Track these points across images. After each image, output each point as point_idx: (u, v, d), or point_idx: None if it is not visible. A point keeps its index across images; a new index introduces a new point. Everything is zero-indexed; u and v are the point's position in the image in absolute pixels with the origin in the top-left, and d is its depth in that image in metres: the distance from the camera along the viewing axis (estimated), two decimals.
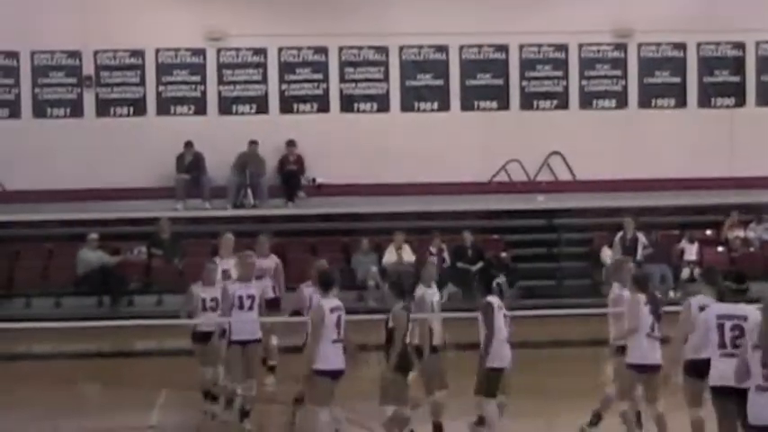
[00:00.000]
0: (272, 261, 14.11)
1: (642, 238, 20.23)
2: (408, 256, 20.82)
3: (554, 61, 23.24)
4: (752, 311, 8.78)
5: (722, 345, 8.85)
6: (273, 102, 22.79)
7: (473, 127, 22.76)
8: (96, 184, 21.72)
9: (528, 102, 23.22)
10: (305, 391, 10.70)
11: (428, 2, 22.76)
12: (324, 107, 22.84)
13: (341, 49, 22.83)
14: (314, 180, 22.43)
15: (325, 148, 22.28)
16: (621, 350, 10.62)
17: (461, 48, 23.05)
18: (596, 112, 23.28)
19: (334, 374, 10.14)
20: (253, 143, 22.04)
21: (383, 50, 22.93)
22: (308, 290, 11.60)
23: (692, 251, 21.06)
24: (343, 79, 22.87)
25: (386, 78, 22.94)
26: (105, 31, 22.17)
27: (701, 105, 23.47)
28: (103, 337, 17.80)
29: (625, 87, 23.37)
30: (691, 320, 9.84)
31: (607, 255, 20.58)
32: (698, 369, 9.73)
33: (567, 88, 23.28)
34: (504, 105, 23.17)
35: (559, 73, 23.26)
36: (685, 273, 20.29)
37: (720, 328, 8.86)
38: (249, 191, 22.09)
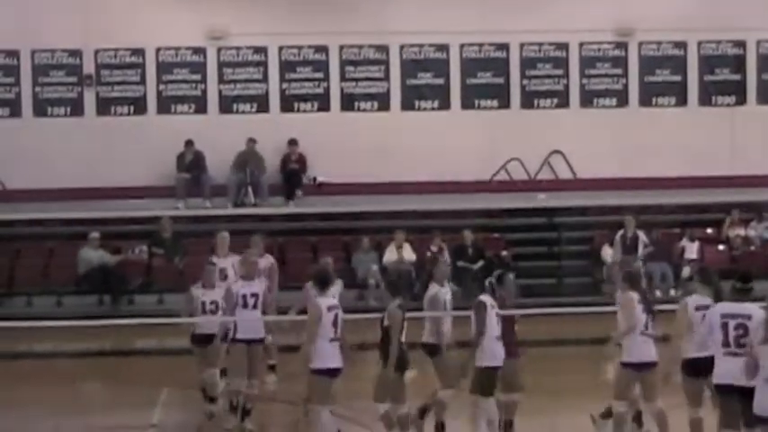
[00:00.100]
0: (266, 261, 13.99)
1: (643, 236, 20.22)
2: (409, 254, 20.84)
3: (555, 60, 23.24)
4: (756, 310, 8.82)
5: (726, 343, 8.89)
6: (274, 100, 22.79)
7: (474, 126, 22.77)
8: (97, 182, 21.72)
9: (529, 100, 23.22)
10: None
11: (429, 0, 22.74)
12: (324, 106, 22.84)
13: (341, 47, 22.83)
14: (314, 179, 22.44)
15: (326, 147, 22.28)
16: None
17: (462, 46, 23.05)
18: (597, 111, 23.28)
19: (333, 373, 10.14)
20: (251, 141, 22.05)
21: (384, 49, 22.93)
22: (313, 290, 11.53)
23: (692, 250, 21.05)
24: (343, 78, 22.87)
25: (386, 77, 22.95)
26: (106, 30, 22.17)
27: (702, 104, 23.47)
28: (104, 336, 17.81)
29: (626, 86, 23.37)
30: (687, 320, 9.88)
31: (608, 253, 20.59)
32: (696, 368, 9.76)
33: (567, 87, 23.28)
34: (505, 104, 23.17)
35: (560, 71, 23.26)
36: (686, 271, 20.21)
37: (724, 326, 8.89)
38: (250, 189, 22.09)
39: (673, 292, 19.52)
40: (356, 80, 22.90)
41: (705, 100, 23.49)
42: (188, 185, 22.04)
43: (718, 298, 9.76)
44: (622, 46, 23.33)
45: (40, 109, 22.42)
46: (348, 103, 22.90)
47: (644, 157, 22.63)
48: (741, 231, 21.86)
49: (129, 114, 22.53)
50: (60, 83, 22.43)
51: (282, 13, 22.42)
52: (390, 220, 21.61)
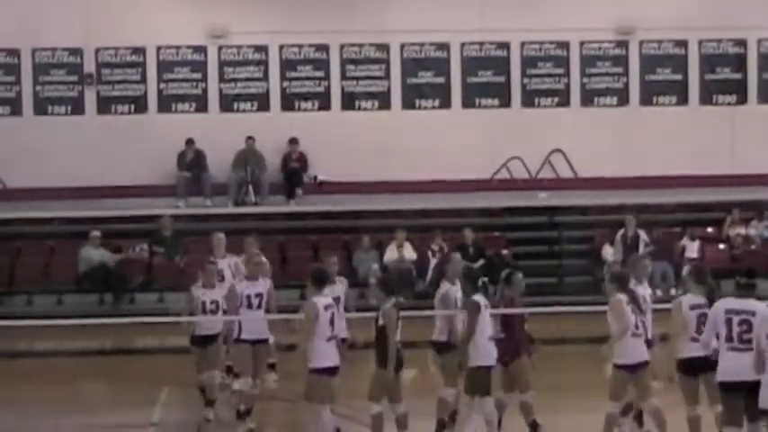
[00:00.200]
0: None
1: (643, 235, 20.22)
2: (409, 253, 20.85)
3: (555, 59, 23.24)
4: (760, 306, 8.88)
5: (729, 339, 8.95)
6: (275, 99, 22.79)
7: (474, 124, 22.76)
8: (97, 181, 21.72)
9: (529, 99, 23.22)
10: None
11: None
12: (325, 105, 22.84)
13: (342, 46, 22.82)
14: (315, 177, 22.43)
15: (327, 146, 22.28)
16: None
17: (463, 45, 23.05)
18: (598, 110, 23.28)
19: (331, 371, 10.15)
20: (250, 139, 22.06)
21: (384, 48, 22.93)
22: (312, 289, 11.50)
23: (693, 249, 21.05)
24: (344, 77, 22.87)
25: (387, 76, 22.94)
26: (106, 29, 22.17)
27: (703, 103, 23.46)
28: (105, 335, 17.82)
29: (626, 85, 23.36)
30: (681, 319, 9.92)
31: (608, 252, 20.59)
32: (692, 367, 9.79)
33: (568, 86, 23.27)
34: (506, 103, 23.17)
35: (561, 70, 23.25)
36: (686, 270, 20.23)
37: (728, 322, 8.94)
38: (250, 188, 22.09)
39: (673, 292, 19.49)
40: (357, 79, 22.90)
41: (706, 99, 23.48)
42: (189, 184, 22.04)
43: (711, 297, 9.86)
44: (623, 45, 23.33)
45: (41, 108, 22.42)
46: (349, 101, 22.89)
47: (645, 155, 22.63)
48: (742, 230, 21.86)
49: (129, 113, 22.53)
50: (61, 81, 22.43)
51: (283, 12, 22.42)
52: (391, 218, 21.61)
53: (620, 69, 23.36)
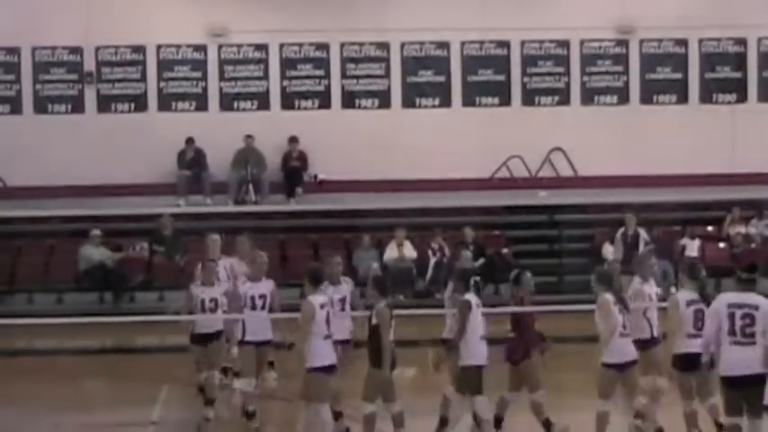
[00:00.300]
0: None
1: (644, 234, 20.18)
2: (409, 252, 20.85)
3: (555, 57, 23.24)
4: (763, 300, 8.99)
5: (732, 332, 9.01)
6: (275, 98, 22.79)
7: (474, 123, 22.77)
8: (97, 180, 21.72)
9: (529, 98, 23.22)
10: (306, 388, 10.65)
11: None
12: (325, 103, 22.84)
13: (342, 45, 22.83)
14: (315, 176, 22.44)
15: (327, 145, 22.29)
16: (638, 343, 10.68)
17: (463, 44, 23.05)
18: (598, 109, 23.28)
19: (329, 370, 10.16)
20: (249, 137, 22.07)
21: (384, 47, 22.93)
22: (328, 290, 11.41)
23: (693, 247, 21.04)
24: (344, 75, 22.87)
25: (387, 74, 22.94)
26: (106, 28, 22.17)
27: (703, 101, 23.47)
28: (105, 334, 17.84)
29: (627, 83, 23.37)
30: (678, 315, 9.97)
31: (608, 251, 20.55)
32: (688, 363, 9.83)
33: (568, 84, 23.28)
34: (506, 101, 23.17)
35: (561, 69, 23.25)
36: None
37: (731, 316, 9.01)
38: (251, 187, 22.09)
39: (673, 290, 19.47)
40: (357, 77, 22.90)
41: (706, 98, 23.49)
42: (189, 183, 22.04)
43: (703, 293, 10.01)
44: (623, 43, 23.33)
45: (41, 106, 22.42)
46: (349, 100, 22.90)
47: (645, 154, 22.63)
48: (742, 229, 21.86)
49: (129, 112, 22.53)
50: (61, 80, 22.43)
51: (283, 11, 22.42)
52: (391, 217, 21.60)
53: (620, 68, 23.36)
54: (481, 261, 20.15)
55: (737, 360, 8.99)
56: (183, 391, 13.03)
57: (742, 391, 9.02)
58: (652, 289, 11.02)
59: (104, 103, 22.50)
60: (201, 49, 22.69)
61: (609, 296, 10.32)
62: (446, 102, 23.05)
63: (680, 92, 23.46)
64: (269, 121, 22.51)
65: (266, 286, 11.70)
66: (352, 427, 11.08)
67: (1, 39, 22.13)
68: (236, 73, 22.73)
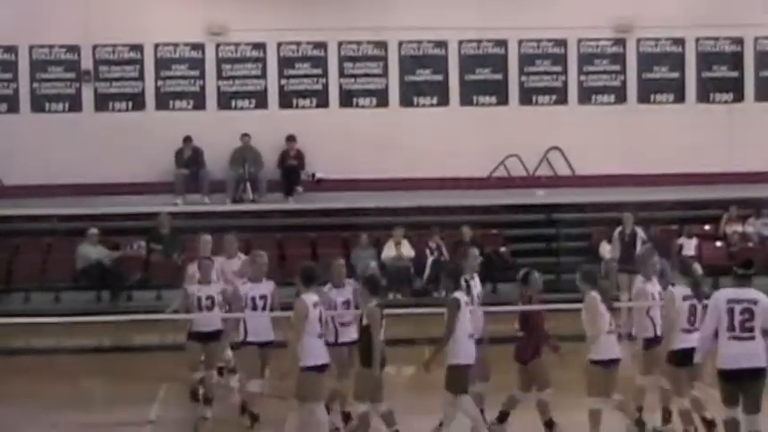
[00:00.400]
0: (239, 261, 13.48)
1: (641, 233, 20.20)
2: (407, 250, 20.87)
3: (553, 56, 23.26)
4: (761, 295, 9.17)
5: (731, 328, 9.14)
6: (272, 97, 22.80)
7: (472, 122, 22.79)
8: (95, 178, 21.72)
9: (527, 97, 23.24)
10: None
11: None
12: (323, 102, 22.84)
13: (340, 44, 22.84)
14: (313, 175, 22.44)
15: (325, 143, 22.30)
16: (644, 342, 10.75)
17: (460, 43, 23.06)
18: (595, 108, 23.31)
19: (323, 368, 10.18)
20: (245, 136, 22.08)
21: (382, 45, 22.94)
22: (331, 293, 11.35)
23: (690, 246, 21.06)
24: (342, 74, 22.88)
25: (385, 73, 22.95)
26: (104, 26, 22.17)
27: (700, 100, 23.50)
28: (103, 332, 17.82)
29: (624, 82, 23.39)
30: (675, 311, 10.04)
31: (606, 250, 20.58)
32: (685, 358, 9.91)
33: (566, 83, 23.30)
34: (504, 100, 23.19)
35: (558, 68, 23.28)
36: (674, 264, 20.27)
37: (730, 312, 9.14)
38: (248, 186, 22.09)
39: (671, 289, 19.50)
40: (355, 76, 22.90)
41: (703, 97, 23.52)
42: (186, 181, 22.05)
43: (697, 289, 10.16)
44: (621, 42, 23.35)
45: (38, 105, 22.41)
46: (347, 99, 22.90)
47: (642, 153, 22.66)
48: (739, 228, 21.89)
49: (127, 110, 22.53)
50: (58, 79, 22.42)
51: (281, 10, 22.43)
52: (389, 216, 21.61)
53: (617, 67, 23.38)
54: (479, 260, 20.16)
55: (735, 354, 9.13)
56: (180, 390, 13.01)
57: (739, 384, 9.16)
58: (655, 288, 11.03)
59: (102, 102, 22.50)
60: (199, 47, 22.68)
61: (595, 294, 10.34)
62: (444, 101, 23.07)
63: (677, 91, 23.49)
64: (267, 119, 22.52)
65: (267, 287, 11.63)
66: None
67: None
68: (234, 72, 22.74)
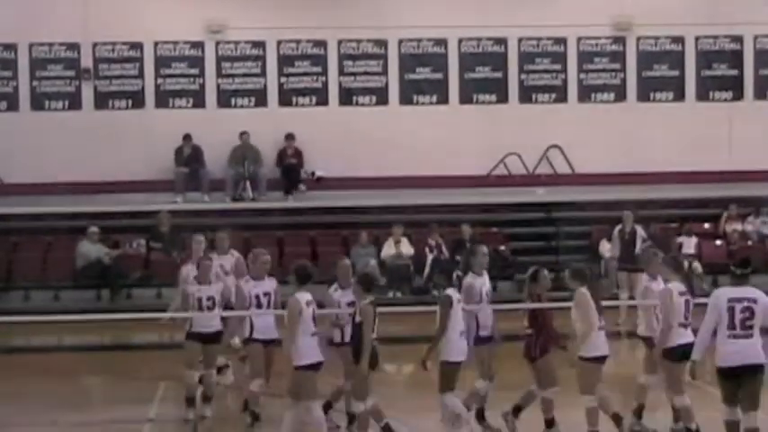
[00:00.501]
0: (232, 258, 13.41)
1: (641, 231, 20.22)
2: (407, 249, 20.87)
3: (553, 54, 23.26)
4: (760, 293, 9.29)
5: (732, 326, 9.23)
6: (272, 95, 22.79)
7: (472, 120, 22.78)
8: (95, 177, 21.72)
9: (527, 95, 23.23)
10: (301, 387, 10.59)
11: None
12: (323, 100, 22.84)
13: (340, 42, 22.83)
14: (313, 173, 22.43)
15: (324, 141, 22.30)
16: (650, 341, 10.78)
17: (460, 41, 23.06)
18: (595, 106, 23.30)
19: (317, 367, 10.18)
20: (244, 134, 22.08)
21: (382, 44, 22.94)
22: (336, 294, 11.31)
23: (690, 245, 21.08)
24: (342, 72, 22.88)
25: (385, 71, 22.95)
26: (104, 24, 22.16)
27: (700, 99, 23.49)
28: (102, 331, 17.83)
29: (624, 81, 23.39)
30: (672, 307, 10.10)
31: (606, 248, 20.60)
32: (682, 354, 10.00)
33: (565, 81, 23.29)
34: (503, 99, 23.18)
35: (558, 66, 23.27)
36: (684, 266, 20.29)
37: (731, 310, 9.23)
38: (248, 184, 22.09)
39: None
40: (354, 74, 22.90)
41: (703, 95, 23.51)
42: (186, 179, 22.05)
43: (688, 284, 10.41)
44: (620, 41, 23.35)
45: (38, 103, 22.41)
46: (346, 97, 22.90)
47: (642, 151, 22.66)
48: (738, 226, 21.89)
49: (127, 108, 22.53)
50: (58, 77, 22.42)
51: (281, 8, 22.42)
52: (389, 214, 21.60)
53: (617, 65, 23.38)
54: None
55: (734, 352, 9.23)
56: (180, 389, 13.00)
57: (738, 381, 9.27)
58: (659, 286, 11.03)
59: (102, 100, 22.49)
60: (199, 45, 22.68)
61: (585, 290, 10.34)
62: (444, 99, 23.06)
63: (677, 89, 23.49)
64: (266, 117, 22.52)
65: (270, 284, 11.55)
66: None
67: None
68: (234, 70, 22.73)
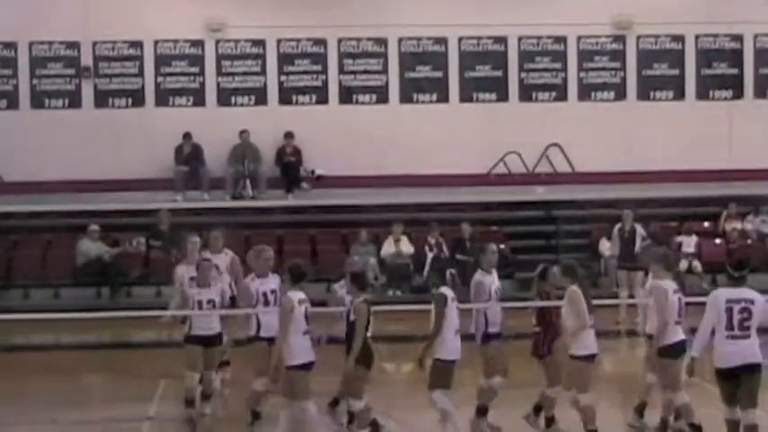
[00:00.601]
0: (226, 257, 13.27)
1: (640, 230, 20.23)
2: (407, 247, 20.87)
3: (553, 53, 23.26)
4: (757, 294, 9.40)
5: (730, 327, 9.31)
6: (272, 93, 22.79)
7: (472, 119, 22.79)
8: (95, 175, 21.72)
9: (527, 93, 23.24)
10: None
11: None
12: (322, 99, 22.84)
13: (340, 40, 22.83)
14: (313, 172, 22.44)
15: (324, 140, 22.30)
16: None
17: (460, 39, 23.06)
18: (595, 104, 23.31)
19: (309, 366, 10.20)
20: (244, 132, 22.08)
21: (382, 42, 22.94)
22: (342, 290, 11.34)
23: (689, 243, 21.09)
24: (342, 71, 22.88)
25: (385, 70, 22.95)
26: (104, 23, 22.16)
27: (700, 97, 23.50)
28: (102, 329, 17.82)
29: (624, 79, 23.39)
30: (668, 305, 10.14)
31: (605, 246, 20.61)
32: (680, 351, 10.10)
33: (565, 80, 23.30)
34: (503, 97, 23.19)
35: (558, 65, 23.27)
36: (683, 265, 20.32)
37: (729, 311, 9.30)
38: (248, 182, 22.10)
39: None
40: (354, 73, 22.90)
41: (703, 94, 23.51)
42: (186, 178, 22.06)
43: (679, 281, 10.54)
44: (620, 39, 23.35)
45: (38, 101, 22.41)
46: (346, 95, 22.90)
47: (641, 150, 22.67)
48: (738, 225, 21.90)
49: (127, 107, 22.54)
50: (58, 75, 22.42)
51: (281, 6, 22.43)
52: (388, 212, 21.61)
53: (617, 64, 23.38)
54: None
55: (732, 352, 9.31)
56: (180, 387, 13.01)
57: (737, 381, 9.34)
58: (668, 284, 11.05)
59: (101, 99, 22.50)
60: (199, 44, 22.68)
61: (576, 288, 10.36)
62: (443, 97, 23.07)
63: (677, 88, 23.49)
64: (266, 116, 22.52)
65: (274, 281, 11.48)
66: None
67: None
68: (234, 68, 22.74)
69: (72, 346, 17.18)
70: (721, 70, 23.52)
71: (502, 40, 23.14)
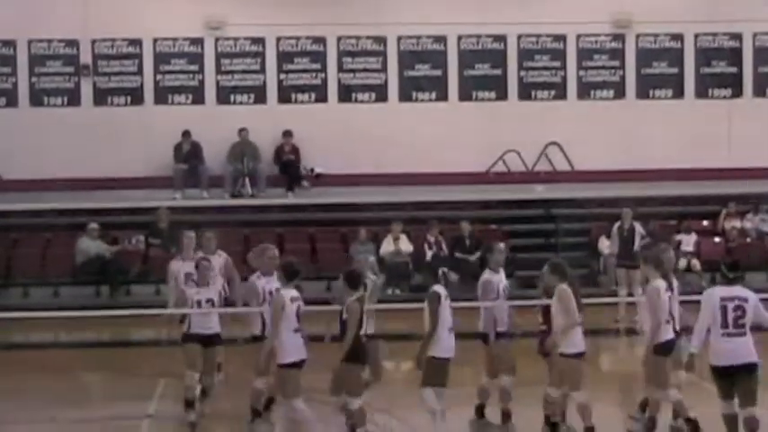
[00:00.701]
0: (220, 258, 13.22)
1: (640, 228, 20.25)
2: (406, 245, 20.88)
3: (552, 52, 23.26)
4: (750, 293, 9.52)
5: (725, 325, 9.40)
6: (271, 91, 22.79)
7: (471, 117, 22.79)
8: (94, 173, 21.71)
9: (526, 92, 23.24)
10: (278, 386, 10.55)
11: None
12: (322, 97, 22.84)
13: (339, 38, 22.83)
14: (312, 170, 22.44)
15: (323, 138, 22.30)
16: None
17: (460, 38, 23.05)
18: (594, 103, 23.31)
19: (300, 365, 10.22)
20: (243, 130, 22.08)
21: (381, 40, 22.94)
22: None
23: (689, 242, 21.10)
24: (341, 69, 22.88)
25: (384, 68, 22.95)
26: (103, 20, 22.16)
27: (699, 96, 23.50)
28: (101, 327, 17.83)
29: (623, 78, 23.39)
30: (660, 303, 10.19)
31: (605, 245, 20.62)
32: (670, 349, 10.20)
33: (565, 79, 23.30)
34: (503, 96, 23.19)
35: (557, 63, 23.27)
36: (682, 263, 20.32)
37: (723, 309, 9.40)
38: (247, 180, 22.10)
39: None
40: (354, 71, 22.90)
41: (702, 92, 23.52)
42: (185, 176, 22.05)
43: (667, 280, 10.47)
44: (620, 38, 23.35)
45: (37, 99, 22.41)
46: (346, 94, 22.90)
47: (641, 149, 22.67)
48: (737, 223, 21.91)
49: (126, 105, 22.53)
50: (57, 73, 22.41)
51: (280, 4, 22.43)
52: (388, 211, 21.62)
53: (616, 62, 23.38)
54: (477, 255, 20.22)
55: (727, 350, 9.40)
56: (179, 386, 13.01)
57: (732, 380, 9.42)
58: (674, 282, 11.08)
59: (101, 96, 22.49)
60: (198, 42, 22.68)
61: (566, 286, 10.36)
62: (443, 96, 23.07)
63: (676, 86, 23.50)
64: (265, 114, 22.52)
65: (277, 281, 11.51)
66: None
67: None
68: (233, 66, 22.73)
69: (71, 345, 17.19)
70: (720, 69, 23.52)
71: (501, 38, 23.14)
